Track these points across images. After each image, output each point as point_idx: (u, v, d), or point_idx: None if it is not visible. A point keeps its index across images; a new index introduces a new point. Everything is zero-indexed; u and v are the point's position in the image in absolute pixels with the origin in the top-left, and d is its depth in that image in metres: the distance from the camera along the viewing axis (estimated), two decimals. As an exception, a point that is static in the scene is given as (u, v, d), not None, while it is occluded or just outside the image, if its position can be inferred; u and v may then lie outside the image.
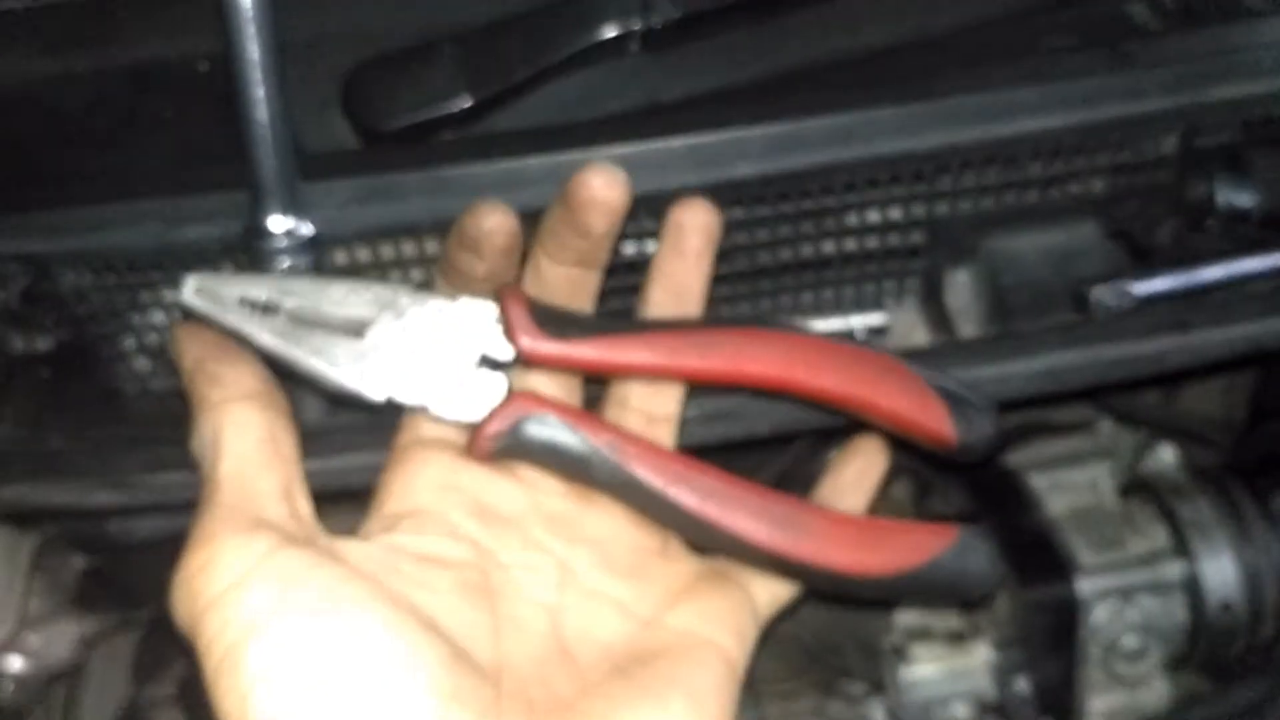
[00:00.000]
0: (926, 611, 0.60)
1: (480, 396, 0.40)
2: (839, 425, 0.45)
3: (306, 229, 0.46)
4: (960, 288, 0.53)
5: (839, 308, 0.54)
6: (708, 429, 0.47)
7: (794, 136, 0.48)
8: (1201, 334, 0.47)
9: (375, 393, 0.39)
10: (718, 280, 0.45)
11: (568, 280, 0.42)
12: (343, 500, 0.43)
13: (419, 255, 0.49)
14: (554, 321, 0.40)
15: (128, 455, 0.47)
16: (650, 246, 0.49)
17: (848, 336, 0.53)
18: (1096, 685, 0.56)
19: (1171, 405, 0.64)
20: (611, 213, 0.40)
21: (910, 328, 0.55)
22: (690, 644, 0.40)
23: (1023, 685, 0.56)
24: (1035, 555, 0.56)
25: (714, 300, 0.45)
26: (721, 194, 0.47)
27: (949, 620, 0.59)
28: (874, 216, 0.51)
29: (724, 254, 0.45)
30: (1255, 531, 0.55)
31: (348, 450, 0.46)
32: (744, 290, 0.53)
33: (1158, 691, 0.57)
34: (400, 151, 0.52)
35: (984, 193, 0.51)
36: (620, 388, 0.44)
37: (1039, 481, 0.59)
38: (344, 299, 0.40)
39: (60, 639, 0.59)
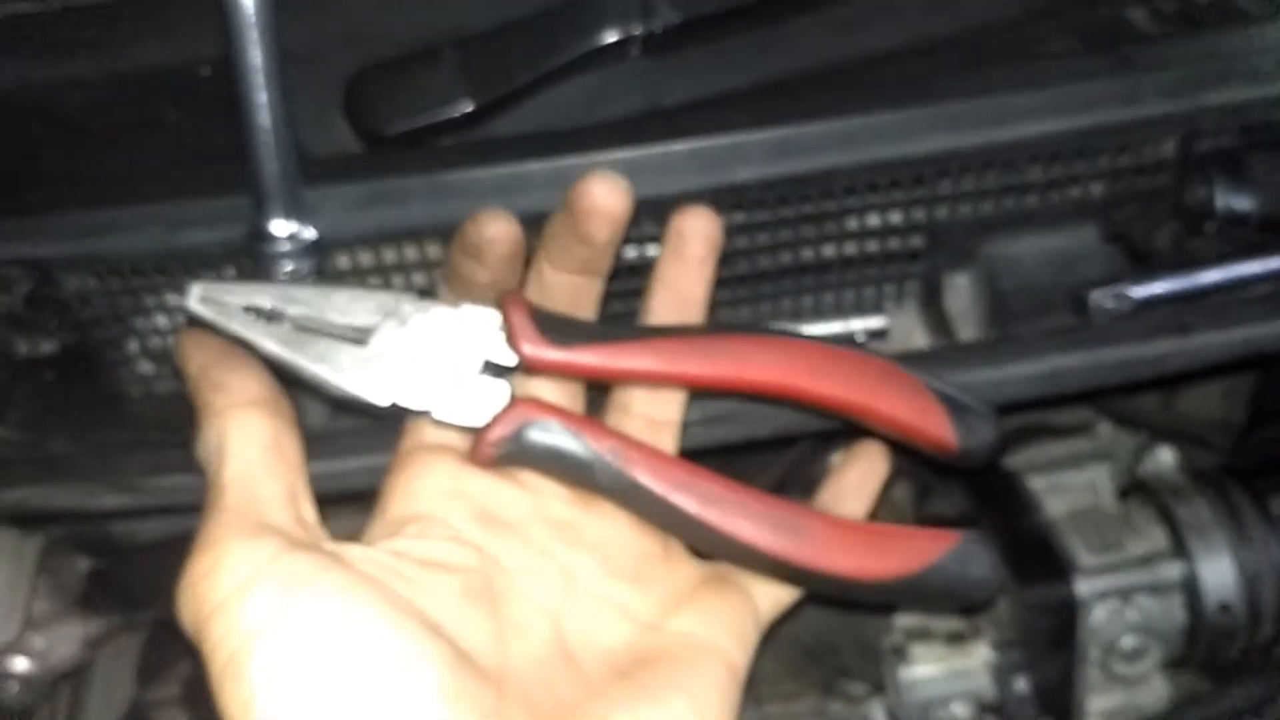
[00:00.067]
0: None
1: (483, 402, 0.40)
2: (839, 428, 0.46)
3: (309, 233, 0.46)
4: (960, 291, 0.53)
5: (839, 311, 0.54)
6: (709, 432, 0.47)
7: (795, 141, 0.48)
8: (1200, 337, 0.47)
9: (379, 398, 0.39)
10: (718, 284, 0.45)
11: (570, 287, 0.43)
12: (345, 503, 0.44)
13: (421, 259, 0.49)
14: (556, 328, 0.40)
15: (131, 458, 0.47)
16: (651, 250, 0.49)
17: (848, 340, 0.53)
18: (1095, 685, 0.56)
19: (1170, 408, 0.64)
20: (614, 221, 0.40)
21: (910, 331, 0.55)
22: (692, 647, 0.40)
23: (1022, 685, 0.57)
24: (1034, 556, 0.56)
25: (714, 304, 0.45)
26: (722, 198, 0.47)
27: (948, 621, 0.59)
28: (874, 220, 0.51)
29: (724, 258, 0.45)
30: (1254, 533, 0.55)
31: (351, 453, 0.46)
32: (744, 294, 0.54)
33: (1156, 692, 0.57)
34: (402, 156, 0.52)
35: (983, 197, 0.52)
36: (622, 394, 0.44)
37: (1038, 483, 0.59)
38: (347, 306, 0.40)
39: (65, 640, 0.59)
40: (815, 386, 0.42)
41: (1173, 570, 0.55)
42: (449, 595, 0.37)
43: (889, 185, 0.50)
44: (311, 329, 0.39)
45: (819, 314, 0.54)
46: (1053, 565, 0.55)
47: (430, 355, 0.40)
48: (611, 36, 0.54)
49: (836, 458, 0.60)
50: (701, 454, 0.45)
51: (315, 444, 0.40)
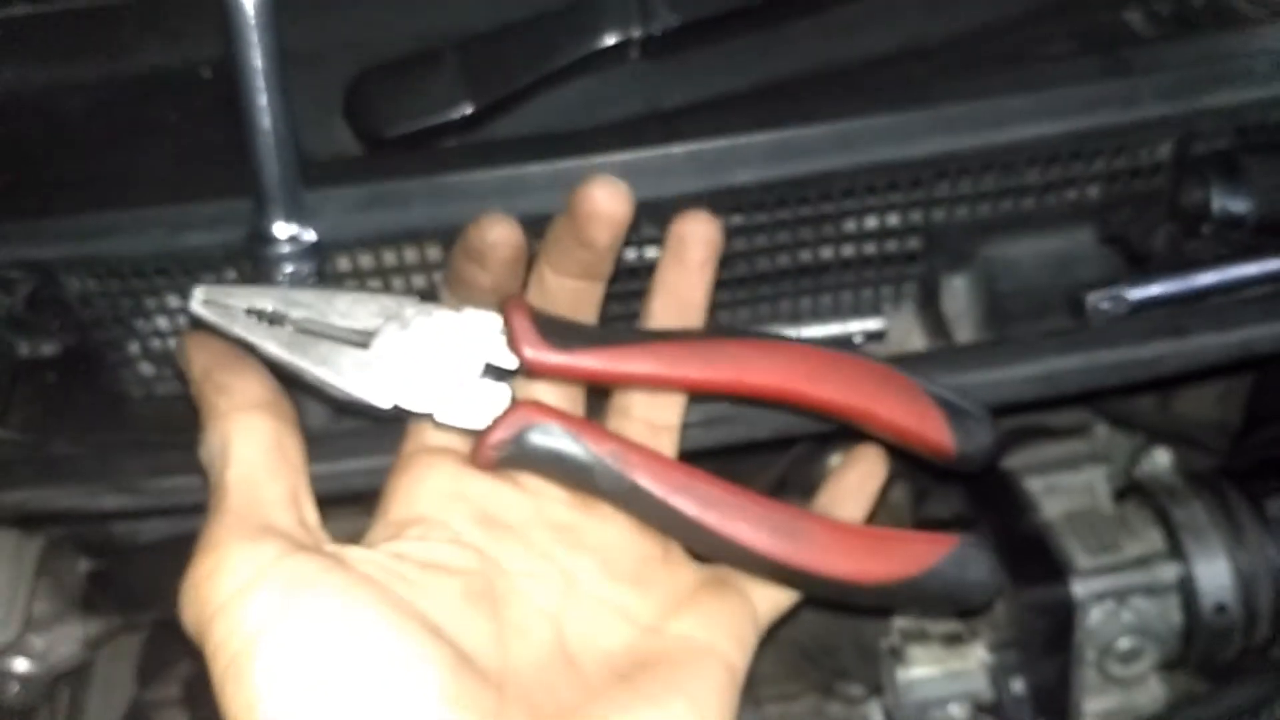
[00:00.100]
0: (924, 614, 0.60)
1: (484, 405, 0.40)
2: (838, 430, 0.46)
3: (309, 235, 0.46)
4: (957, 293, 0.53)
5: (837, 313, 0.55)
6: (708, 433, 0.47)
7: (793, 143, 0.48)
8: (1197, 339, 0.48)
9: (381, 401, 0.39)
10: (717, 286, 0.45)
11: (571, 291, 0.43)
12: (346, 504, 0.44)
13: (421, 261, 0.49)
14: (557, 332, 0.41)
15: (132, 459, 0.48)
16: (651, 252, 0.50)
17: (845, 342, 0.54)
18: (1092, 687, 0.57)
19: (1167, 410, 0.64)
20: (615, 225, 0.40)
21: (907, 333, 0.55)
22: (692, 650, 0.40)
23: (1019, 686, 0.57)
24: (1031, 558, 0.56)
25: (713, 306, 0.45)
26: (721, 200, 0.48)
27: (946, 622, 0.59)
28: (872, 222, 0.52)
29: (723, 260, 0.45)
30: (1250, 535, 0.55)
31: (353, 455, 0.46)
32: (743, 296, 0.54)
33: (1153, 693, 0.58)
34: (402, 158, 0.52)
35: (981, 199, 0.52)
36: (623, 397, 0.44)
37: (1035, 485, 0.59)
38: (350, 309, 0.40)
39: (65, 641, 0.59)
40: (814, 391, 0.42)
41: (1169, 572, 0.55)
42: (450, 597, 0.37)
43: (887, 187, 0.50)
44: (314, 332, 0.40)
45: (817, 316, 0.54)
46: (1049, 567, 0.55)
47: (432, 358, 0.40)
48: (611, 39, 0.54)
49: (835, 460, 0.60)
50: (700, 455, 0.45)
51: (317, 446, 0.41)
